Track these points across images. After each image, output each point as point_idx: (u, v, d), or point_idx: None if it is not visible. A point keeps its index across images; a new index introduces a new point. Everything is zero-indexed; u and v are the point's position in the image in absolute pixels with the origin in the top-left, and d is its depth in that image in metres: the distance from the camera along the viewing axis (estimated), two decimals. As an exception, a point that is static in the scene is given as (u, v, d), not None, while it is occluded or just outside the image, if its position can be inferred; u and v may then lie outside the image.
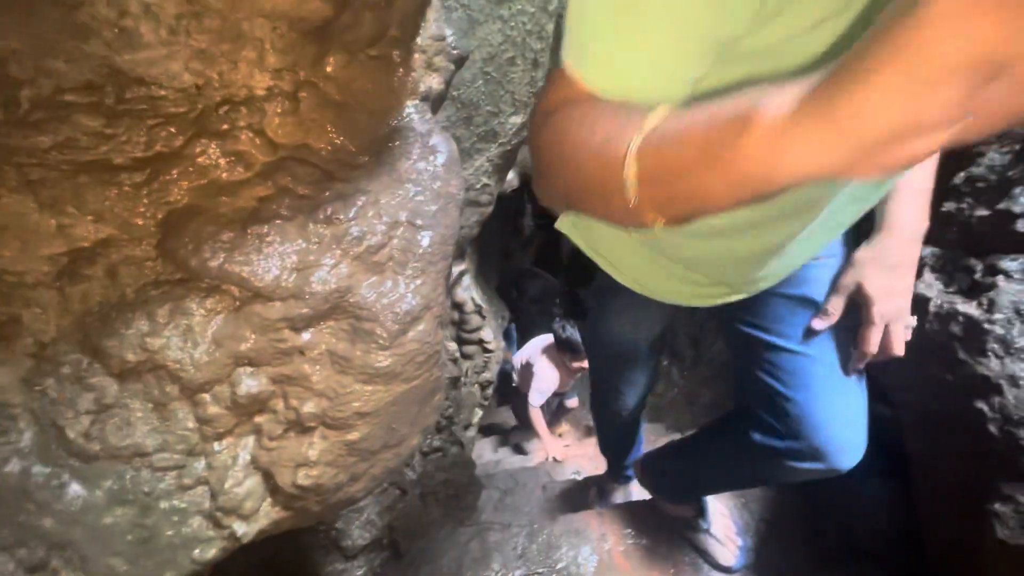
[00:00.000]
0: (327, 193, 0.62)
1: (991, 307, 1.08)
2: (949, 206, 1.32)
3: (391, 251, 0.62)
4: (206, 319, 0.56)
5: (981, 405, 1.05)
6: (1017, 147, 1.25)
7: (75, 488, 0.53)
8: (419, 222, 0.64)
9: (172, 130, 0.55)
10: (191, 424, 0.58)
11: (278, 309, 0.57)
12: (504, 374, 3.11)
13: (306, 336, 0.59)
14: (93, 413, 0.54)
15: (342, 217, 0.60)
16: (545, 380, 2.64)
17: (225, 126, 0.57)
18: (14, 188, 0.48)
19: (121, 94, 0.53)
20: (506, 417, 3.36)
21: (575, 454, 2.88)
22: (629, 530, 1.88)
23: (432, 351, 0.64)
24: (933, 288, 1.24)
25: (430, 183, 0.67)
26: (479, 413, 2.48)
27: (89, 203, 0.51)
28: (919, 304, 1.24)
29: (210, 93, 0.57)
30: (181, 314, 0.55)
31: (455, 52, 0.81)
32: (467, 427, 2.41)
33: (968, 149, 1.34)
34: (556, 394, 2.86)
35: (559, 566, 1.76)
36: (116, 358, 0.54)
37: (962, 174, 1.32)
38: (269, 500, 0.62)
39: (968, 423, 1.08)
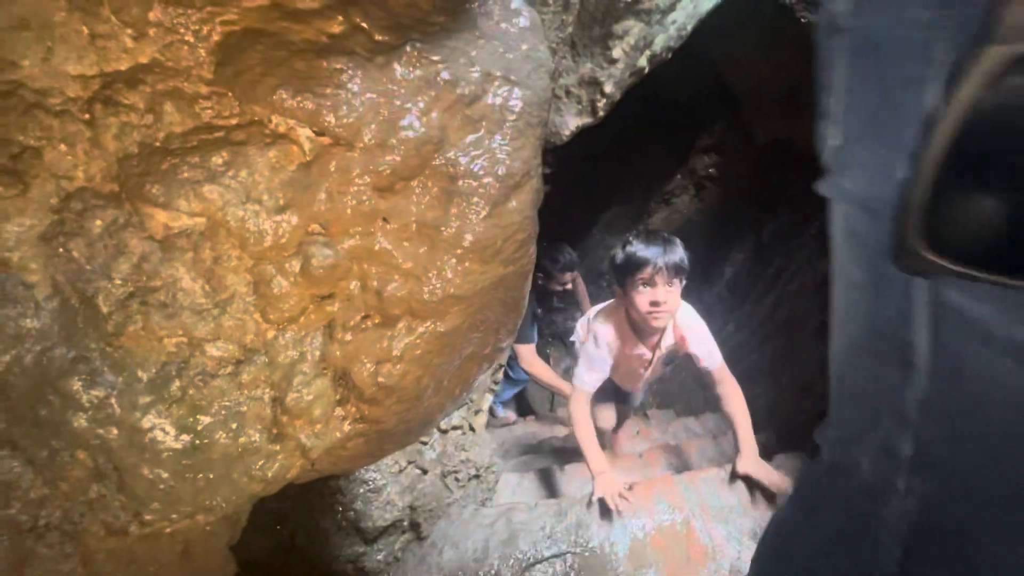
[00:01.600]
0: (408, 39, 0.51)
1: None
2: None
3: (487, 106, 0.51)
4: (273, 171, 0.45)
5: None
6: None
7: (108, 378, 0.42)
8: (514, 78, 0.54)
9: (229, -66, 0.44)
10: (252, 308, 0.46)
11: (360, 159, 0.46)
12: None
13: (390, 198, 0.48)
14: (131, 282, 0.42)
15: (433, 58, 0.49)
16: (599, 349, 1.54)
17: (291, -59, 0.46)
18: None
19: None
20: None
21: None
22: (662, 506, 1.79)
23: (532, 229, 0.53)
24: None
25: (518, 44, 0.57)
26: (489, 398, 2.38)
27: (127, 8, 0.40)
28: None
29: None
30: (243, 164, 0.44)
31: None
32: (477, 412, 2.31)
33: None
34: (616, 387, 1.88)
35: (591, 545, 1.65)
36: (162, 212, 0.42)
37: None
38: (340, 410, 0.51)
39: None
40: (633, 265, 1.29)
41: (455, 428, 1.98)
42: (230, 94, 0.44)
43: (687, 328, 1.53)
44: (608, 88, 1.80)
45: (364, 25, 0.50)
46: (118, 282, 0.42)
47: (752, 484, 1.66)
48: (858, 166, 0.36)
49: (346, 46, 0.48)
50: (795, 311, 2.53)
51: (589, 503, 1.61)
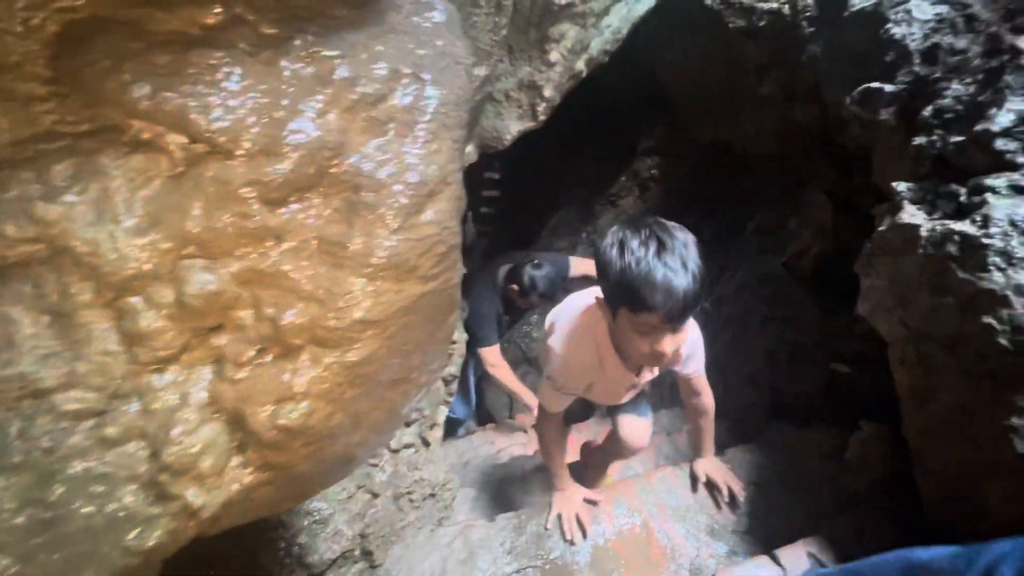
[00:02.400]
0: (300, 33, 0.45)
1: (986, 222, 1.07)
2: (920, 140, 1.34)
3: (394, 107, 0.46)
4: (133, 183, 0.38)
5: (988, 320, 1.03)
6: (980, 76, 1.27)
7: (-80, 448, 0.33)
8: (425, 75, 0.48)
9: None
10: (114, 345, 0.39)
11: (242, 170, 0.39)
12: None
13: (283, 214, 0.42)
14: (-53, 327, 0.34)
15: (328, 53, 0.43)
16: (565, 380, 1.25)
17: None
18: None
19: None
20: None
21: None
22: (621, 509, 1.78)
23: (452, 241, 0.48)
24: (918, 216, 1.24)
25: (431, 39, 0.52)
26: (444, 411, 2.30)
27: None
28: (907, 234, 1.23)
29: None
30: (92, 174, 0.37)
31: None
32: (433, 426, 2.23)
33: (931, 84, 1.37)
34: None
35: (552, 556, 1.61)
36: (-16, 239, 0.34)
37: (929, 108, 1.34)
38: (238, 457, 0.44)
39: (973, 341, 1.06)
40: (636, 303, 0.86)
41: (407, 447, 1.89)
42: (75, 95, 0.36)
43: (688, 344, 1.15)
44: (547, 92, 1.78)
45: (248, 16, 0.43)
46: (-71, 327, 0.33)
47: (710, 485, 1.69)
48: None
49: (223, 39, 0.41)
50: (739, 307, 2.60)
51: (547, 522, 1.57)
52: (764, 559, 1.47)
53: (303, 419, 0.43)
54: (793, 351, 2.35)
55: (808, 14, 1.83)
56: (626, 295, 0.86)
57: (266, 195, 0.41)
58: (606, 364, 1.13)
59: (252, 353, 0.42)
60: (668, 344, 0.90)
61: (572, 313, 1.19)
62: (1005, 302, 1.00)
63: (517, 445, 2.80)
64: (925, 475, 1.33)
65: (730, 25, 2.35)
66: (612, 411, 1.62)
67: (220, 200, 0.39)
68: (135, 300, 0.38)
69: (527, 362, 3.51)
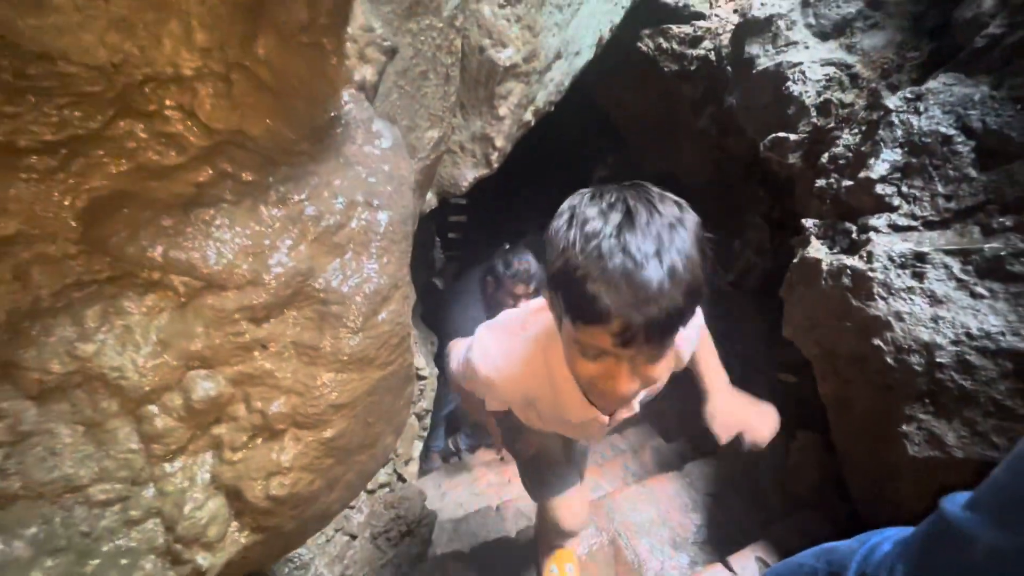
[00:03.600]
0: (273, 177, 0.58)
1: (870, 258, 1.26)
2: (820, 182, 1.54)
3: (352, 231, 0.58)
4: (147, 317, 0.49)
5: (877, 342, 1.21)
6: (864, 127, 1.49)
7: (-14, 542, 0.43)
8: (376, 202, 0.61)
9: (88, 109, 0.48)
10: (135, 444, 0.49)
11: (234, 299, 0.51)
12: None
13: (267, 327, 0.53)
14: (7, 445, 0.44)
15: (296, 197, 0.56)
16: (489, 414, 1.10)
17: (152, 106, 0.51)
18: None
19: (21, 68, 0.46)
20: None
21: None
22: (591, 529, 1.89)
23: (404, 332, 0.61)
24: (821, 251, 1.43)
25: (380, 165, 0.65)
26: (419, 445, 2.37)
27: (-11, 191, 0.44)
28: (813, 267, 1.42)
29: (130, 70, 0.51)
30: (116, 314, 0.48)
31: (386, 44, 0.81)
32: (408, 461, 2.30)
33: (827, 133, 1.58)
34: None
35: (526, 580, 1.71)
36: (34, 373, 0.45)
37: (826, 155, 1.55)
38: (236, 523, 0.55)
39: (871, 360, 1.24)
40: (573, 307, 0.57)
41: (382, 486, 1.97)
42: (99, 253, 0.47)
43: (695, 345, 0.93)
44: (499, 142, 1.93)
45: (229, 169, 0.56)
46: (-9, 446, 0.44)
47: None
48: None
49: (214, 194, 0.53)
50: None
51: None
52: (718, 567, 1.60)
53: (290, 488, 0.54)
54: (744, 364, 2.53)
55: (727, 64, 2.06)
56: (564, 293, 0.56)
57: (253, 315, 0.52)
58: (563, 397, 0.75)
59: (245, 439, 0.53)
60: (625, 380, 0.58)
61: (514, 319, 0.80)
62: (889, 326, 1.19)
63: (493, 473, 2.87)
64: (852, 476, 1.50)
65: (665, 69, 2.57)
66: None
67: (217, 323, 0.51)
68: (152, 408, 0.49)
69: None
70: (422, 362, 2.18)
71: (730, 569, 1.59)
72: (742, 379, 2.59)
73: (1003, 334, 1.06)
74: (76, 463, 0.47)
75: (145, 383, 0.48)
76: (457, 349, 0.86)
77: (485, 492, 2.73)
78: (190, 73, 0.55)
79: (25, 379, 0.45)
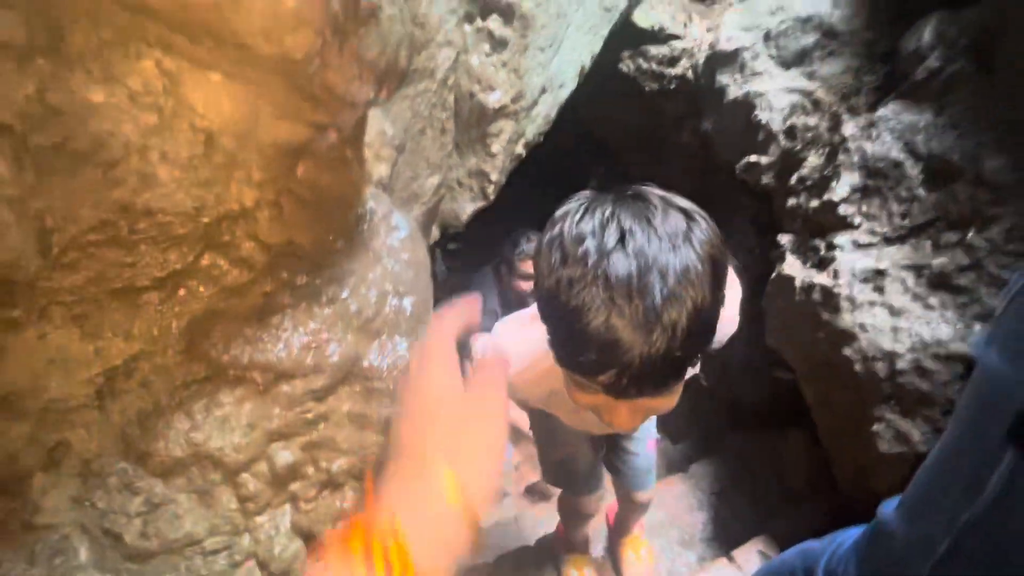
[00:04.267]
0: (320, 280, 0.73)
1: (836, 275, 1.40)
2: (792, 202, 1.68)
3: (385, 317, 0.73)
4: (238, 406, 0.64)
5: (846, 351, 1.34)
6: (827, 150, 1.63)
7: (136, 589, 0.58)
8: (402, 289, 0.76)
9: (183, 249, 0.63)
10: (234, 505, 0.64)
11: (301, 385, 0.66)
12: None
13: (327, 403, 0.68)
14: (144, 514, 0.59)
15: (341, 295, 0.71)
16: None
17: (226, 237, 0.66)
18: (59, 325, 0.54)
19: (133, 225, 0.61)
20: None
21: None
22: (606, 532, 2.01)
23: (433, 394, 0.75)
24: (795, 267, 1.57)
25: (400, 255, 0.80)
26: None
27: (121, 324, 0.59)
28: (788, 282, 1.56)
29: (209, 211, 0.66)
30: (215, 406, 0.63)
31: (396, 142, 0.96)
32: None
33: (795, 155, 1.72)
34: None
35: (548, 582, 1.84)
36: (161, 457, 0.60)
37: (794, 176, 1.69)
38: (311, 559, 0.69)
39: (842, 367, 1.38)
40: (560, 351, 0.54)
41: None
42: (198, 359, 0.62)
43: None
44: (494, 176, 2.08)
45: (287, 277, 0.70)
46: (134, 515, 0.59)
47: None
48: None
49: (278, 301, 0.68)
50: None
51: None
52: (723, 561, 1.73)
53: (351, 528, 0.69)
54: (743, 362, 2.64)
55: (703, 82, 2.20)
56: (550, 329, 0.53)
57: (316, 396, 0.67)
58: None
59: (314, 492, 0.68)
60: (624, 416, 0.55)
61: (528, 313, 0.76)
62: (855, 337, 1.33)
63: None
64: (837, 470, 1.64)
65: (646, 88, 2.71)
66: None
67: (289, 405, 0.66)
68: (245, 475, 0.64)
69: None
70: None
71: (734, 563, 1.72)
72: (742, 377, 2.67)
73: (952, 341, 1.20)
74: (193, 523, 0.62)
75: (240, 457, 0.63)
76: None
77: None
78: (251, 205, 0.70)
79: (153, 463, 0.60)
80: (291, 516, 0.68)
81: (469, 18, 1.75)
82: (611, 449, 1.32)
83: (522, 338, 0.70)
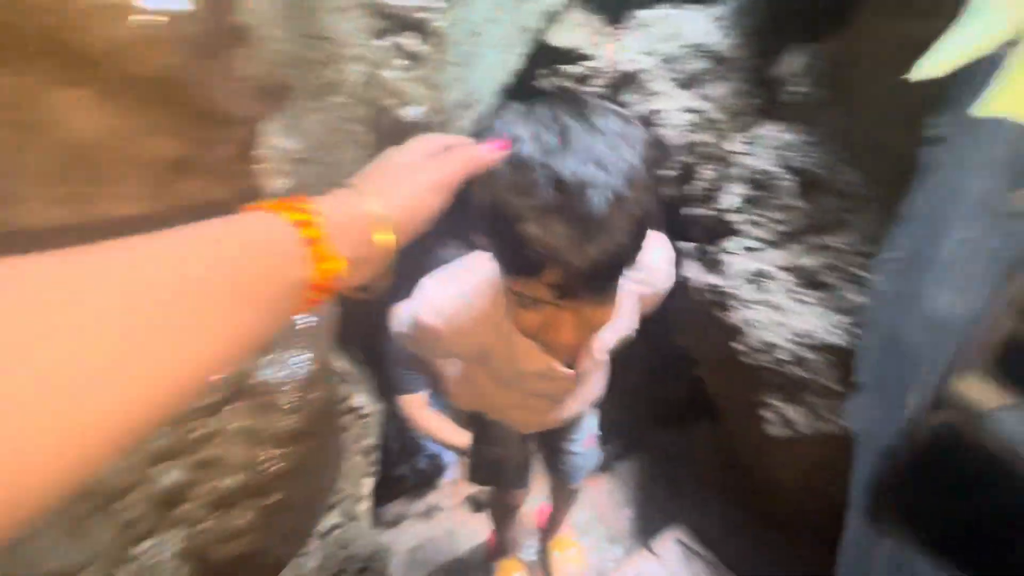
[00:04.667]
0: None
1: (725, 276, 1.54)
2: (690, 211, 1.83)
3: (278, 333, 0.73)
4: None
5: (737, 345, 1.48)
6: (718, 164, 1.79)
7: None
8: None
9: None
10: (111, 534, 0.62)
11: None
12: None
13: (216, 421, 0.67)
14: (8, 551, 0.56)
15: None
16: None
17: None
18: None
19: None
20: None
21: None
22: (541, 547, 2.05)
23: (332, 405, 0.76)
24: (693, 270, 1.70)
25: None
26: (369, 483, 2.43)
27: None
28: (687, 285, 1.69)
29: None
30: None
31: (298, 156, 0.96)
32: (358, 500, 2.36)
33: (690, 171, 1.87)
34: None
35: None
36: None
37: (686, 187, 1.84)
38: (204, 581, 0.67)
39: (734, 360, 1.51)
40: (499, 251, 0.54)
41: (334, 528, 2.04)
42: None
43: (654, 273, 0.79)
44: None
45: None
46: (-8, 553, 0.55)
47: None
48: None
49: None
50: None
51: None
52: (643, 553, 1.82)
53: (245, 547, 0.68)
54: (666, 361, 2.78)
55: (613, 100, 2.34)
56: (491, 237, 0.52)
57: (205, 414, 0.66)
58: (516, 347, 0.69)
59: (205, 513, 0.67)
60: (569, 330, 0.53)
61: (460, 264, 0.74)
62: (743, 332, 1.46)
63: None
64: (740, 456, 1.78)
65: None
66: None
67: (175, 424, 0.64)
68: (125, 501, 0.61)
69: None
70: (362, 400, 2.28)
71: (653, 553, 1.82)
72: (664, 375, 2.79)
73: (821, 332, 1.35)
74: (63, 556, 0.59)
75: (121, 482, 0.61)
76: (400, 313, 0.78)
77: (441, 517, 2.79)
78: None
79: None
80: (181, 540, 0.66)
81: (381, 34, 1.77)
82: (552, 452, 1.35)
83: (455, 292, 0.70)
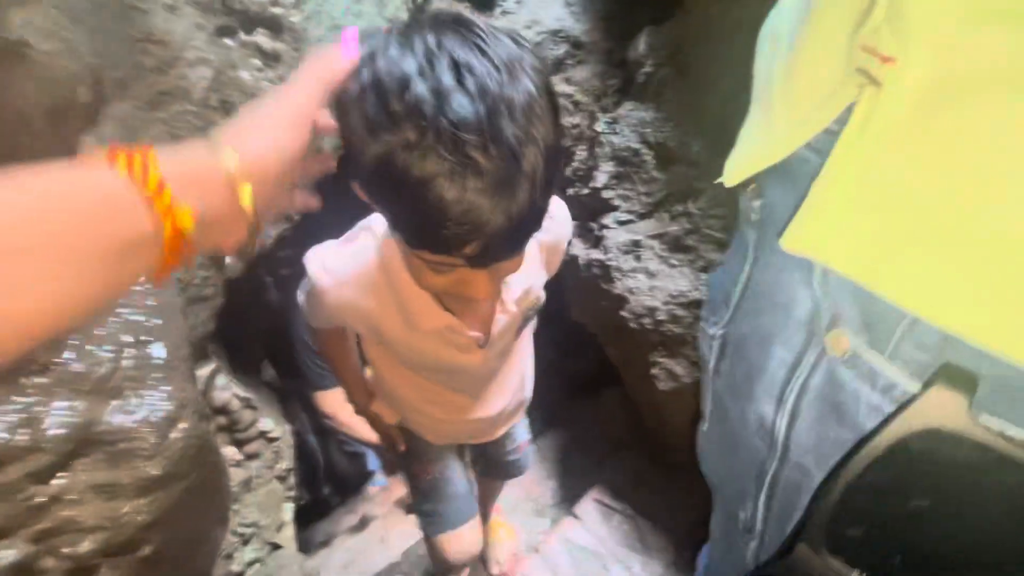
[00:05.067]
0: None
1: (606, 250, 1.64)
2: (570, 191, 1.92)
3: (125, 373, 0.67)
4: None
5: (624, 313, 1.59)
6: (586, 145, 1.89)
7: None
8: (143, 338, 0.71)
9: None
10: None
11: (16, 470, 0.58)
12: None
13: (58, 483, 0.61)
14: None
15: (57, 360, 0.63)
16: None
17: None
18: None
19: None
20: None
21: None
22: None
23: (202, 441, 0.71)
24: (579, 248, 1.80)
25: (144, 301, 0.74)
26: (290, 507, 2.31)
27: None
28: (574, 262, 1.78)
29: None
30: None
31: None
32: (280, 527, 2.25)
33: (567, 151, 1.96)
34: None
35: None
36: None
37: (568, 168, 1.93)
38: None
39: (623, 326, 1.63)
40: (397, 223, 0.46)
41: (252, 563, 1.92)
42: None
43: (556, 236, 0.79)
44: (294, 197, 1.96)
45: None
46: None
47: None
48: None
49: (-33, 381, 0.58)
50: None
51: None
52: (568, 519, 1.91)
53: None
54: (578, 336, 2.88)
55: None
56: (388, 204, 0.44)
57: (39, 478, 0.59)
58: (411, 305, 0.64)
59: (61, 585, 0.60)
60: (483, 286, 0.49)
61: (354, 227, 0.68)
62: (626, 300, 1.57)
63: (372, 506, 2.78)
64: (642, 414, 1.92)
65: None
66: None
67: (4, 495, 0.57)
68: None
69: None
70: (270, 424, 2.15)
71: (576, 517, 1.93)
72: (577, 349, 2.91)
73: (690, 291, 1.50)
74: None
75: (-64, 574, 0.53)
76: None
77: (368, 533, 2.71)
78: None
79: None
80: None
81: (227, 32, 1.64)
82: (488, 465, 1.36)
83: (343, 252, 0.65)
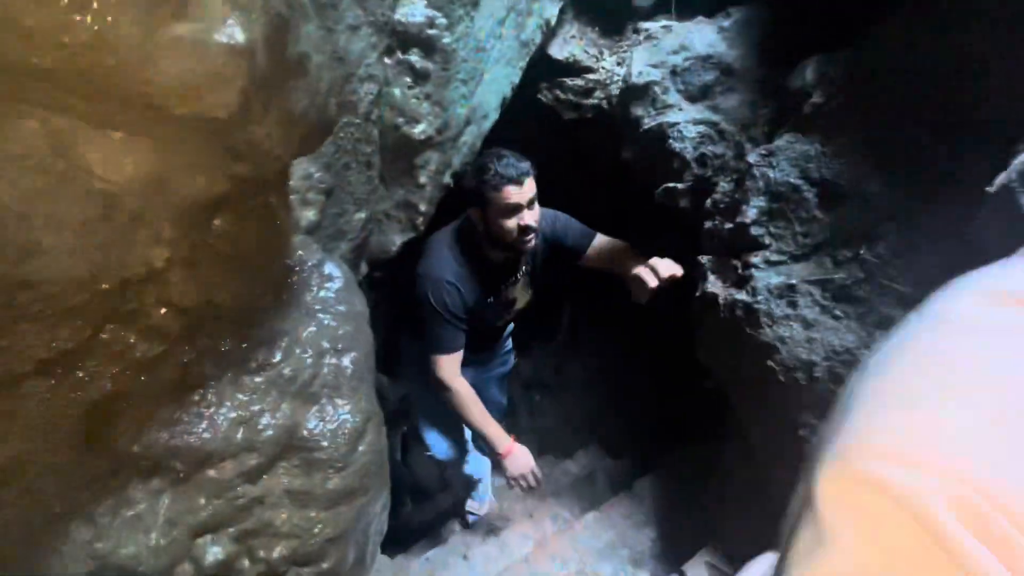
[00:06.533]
0: (247, 343, 0.66)
1: (754, 292, 1.51)
2: (708, 224, 1.80)
3: (324, 379, 0.67)
4: (153, 502, 0.55)
5: (770, 363, 1.44)
6: (735, 176, 1.77)
7: None
8: (340, 346, 0.71)
9: (77, 323, 0.54)
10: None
11: (231, 467, 0.58)
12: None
13: (263, 484, 0.61)
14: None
15: (272, 360, 0.64)
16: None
17: (133, 305, 0.58)
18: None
19: (9, 300, 0.51)
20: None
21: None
22: (556, 565, 1.98)
23: (382, 458, 0.70)
24: (717, 286, 1.67)
25: (336, 307, 0.75)
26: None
27: (-6, 424, 0.49)
28: (711, 300, 1.66)
29: (107, 276, 0.57)
30: (125, 506, 0.54)
31: (323, 185, 0.90)
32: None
33: (708, 181, 1.85)
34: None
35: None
36: (57, 579, 0.50)
37: (708, 200, 1.81)
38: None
39: (767, 378, 1.47)
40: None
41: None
42: (104, 453, 0.53)
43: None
44: (423, 207, 2.04)
45: (208, 343, 0.63)
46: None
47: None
48: None
49: (198, 372, 0.60)
50: (623, 346, 3.01)
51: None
52: (676, 576, 1.76)
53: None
54: (674, 378, 2.72)
55: (618, 110, 2.32)
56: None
57: (249, 476, 0.59)
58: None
59: (252, 588, 0.60)
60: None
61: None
62: (776, 349, 1.42)
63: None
64: (774, 476, 1.73)
65: (564, 117, 2.81)
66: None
67: (217, 491, 0.58)
68: (166, 583, 0.55)
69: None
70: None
71: (685, 576, 1.76)
72: (673, 389, 2.77)
73: (858, 348, 1.32)
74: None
75: (158, 562, 0.54)
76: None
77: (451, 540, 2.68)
78: (161, 265, 0.62)
79: (46, 583, 0.50)
80: (224, 620, 0.59)
81: (389, 51, 1.72)
82: None
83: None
